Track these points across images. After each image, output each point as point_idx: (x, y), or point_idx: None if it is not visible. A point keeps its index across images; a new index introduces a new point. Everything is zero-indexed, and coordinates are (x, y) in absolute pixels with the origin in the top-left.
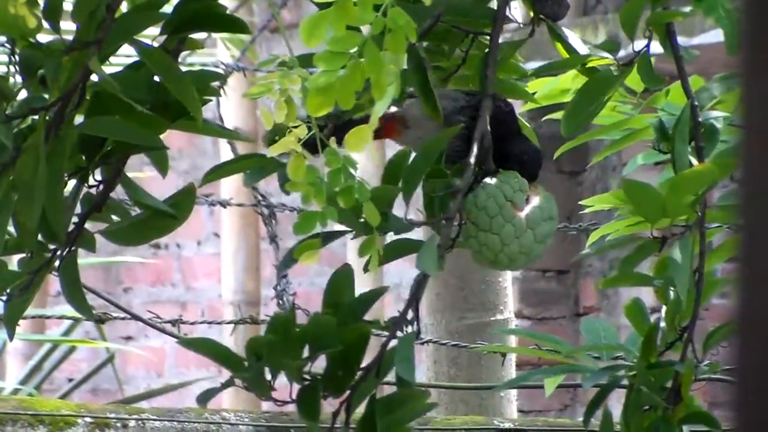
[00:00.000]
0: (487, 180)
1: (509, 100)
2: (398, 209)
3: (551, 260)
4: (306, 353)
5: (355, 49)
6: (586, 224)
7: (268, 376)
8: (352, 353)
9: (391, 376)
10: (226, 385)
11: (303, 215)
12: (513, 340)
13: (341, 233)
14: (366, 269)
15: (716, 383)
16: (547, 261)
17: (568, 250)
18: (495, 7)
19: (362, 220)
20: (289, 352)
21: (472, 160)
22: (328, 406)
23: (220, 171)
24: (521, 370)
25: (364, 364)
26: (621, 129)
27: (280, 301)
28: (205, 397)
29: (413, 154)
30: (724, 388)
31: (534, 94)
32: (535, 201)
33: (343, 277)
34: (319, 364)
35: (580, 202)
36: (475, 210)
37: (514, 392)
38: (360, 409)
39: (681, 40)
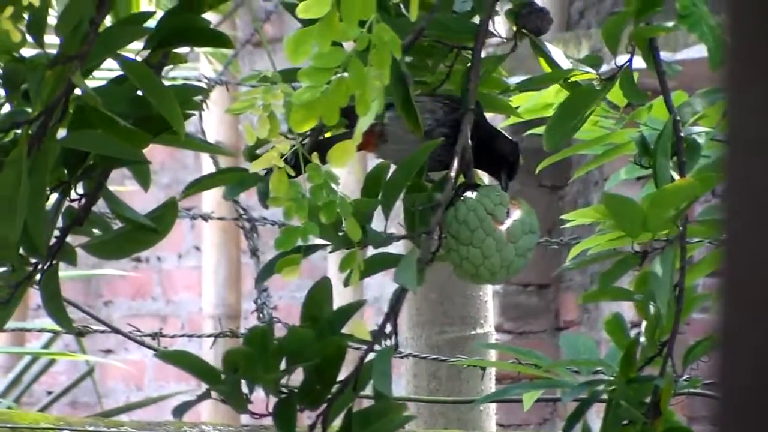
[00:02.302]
0: (468, 194)
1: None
2: (379, 223)
3: (532, 274)
4: (283, 366)
5: (340, 65)
6: (568, 238)
7: (246, 389)
8: (329, 366)
9: (369, 390)
10: (202, 397)
11: (284, 230)
12: (493, 354)
13: (320, 246)
14: (346, 283)
15: (695, 397)
16: (528, 275)
17: (549, 265)
18: (478, 22)
19: (341, 233)
20: (266, 364)
21: (453, 173)
22: (306, 419)
23: (200, 184)
24: (501, 384)
25: (342, 377)
26: (603, 144)
27: (261, 315)
28: (181, 410)
29: (392, 168)
30: (704, 402)
31: (517, 108)
32: (516, 214)
33: (321, 290)
34: (297, 378)
35: (561, 217)
36: (456, 223)
37: (493, 406)
38: (337, 422)
39: (665, 55)
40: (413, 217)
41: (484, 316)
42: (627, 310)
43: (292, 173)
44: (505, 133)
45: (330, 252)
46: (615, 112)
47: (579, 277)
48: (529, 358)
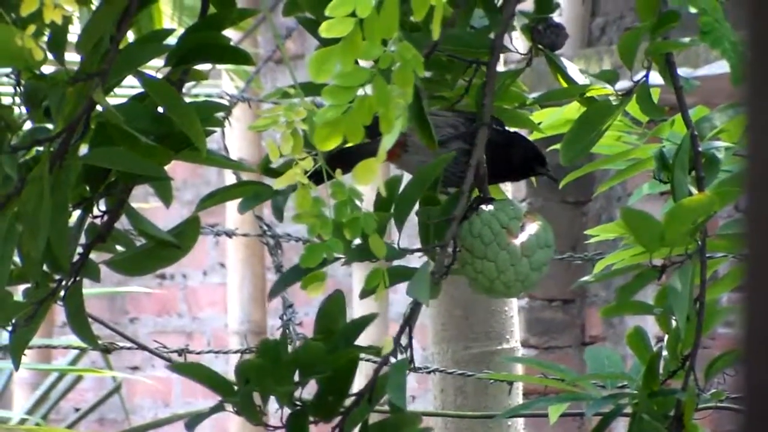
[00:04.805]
0: (483, 207)
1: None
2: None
3: (557, 289)
4: (296, 378)
5: (363, 84)
6: (591, 254)
7: (259, 402)
8: (342, 378)
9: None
10: (214, 409)
11: (309, 247)
12: (519, 370)
13: (334, 259)
14: (362, 296)
15: (722, 412)
16: (553, 290)
17: (574, 280)
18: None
19: (354, 246)
20: (278, 376)
21: (467, 187)
22: None
23: (216, 197)
24: (528, 399)
25: (357, 390)
26: (626, 159)
27: (287, 331)
28: (193, 422)
29: (406, 180)
30: (730, 416)
31: (539, 124)
32: (531, 228)
33: (334, 303)
34: (312, 390)
35: (585, 232)
36: (470, 237)
37: (521, 421)
38: None
39: (685, 71)
40: (428, 231)
41: (510, 331)
42: (652, 324)
43: (314, 186)
44: (521, 136)
45: (342, 265)
46: (637, 127)
47: (604, 292)
48: (554, 372)
